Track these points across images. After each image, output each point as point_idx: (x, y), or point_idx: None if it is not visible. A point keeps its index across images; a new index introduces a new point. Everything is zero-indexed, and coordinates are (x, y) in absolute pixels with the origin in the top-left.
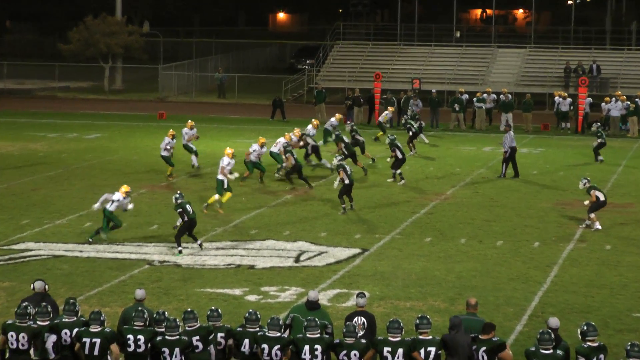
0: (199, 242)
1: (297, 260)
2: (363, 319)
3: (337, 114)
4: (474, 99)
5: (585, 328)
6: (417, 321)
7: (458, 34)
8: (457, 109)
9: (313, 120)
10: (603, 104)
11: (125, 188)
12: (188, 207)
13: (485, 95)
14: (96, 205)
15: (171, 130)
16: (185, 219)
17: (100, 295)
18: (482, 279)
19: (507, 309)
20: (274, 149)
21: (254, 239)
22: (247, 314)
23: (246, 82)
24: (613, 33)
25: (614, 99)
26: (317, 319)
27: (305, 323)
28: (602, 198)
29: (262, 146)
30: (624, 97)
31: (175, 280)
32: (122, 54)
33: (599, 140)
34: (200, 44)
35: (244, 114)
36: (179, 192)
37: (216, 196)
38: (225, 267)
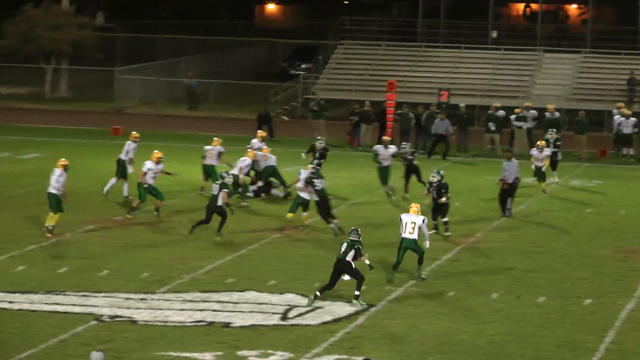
0: (359, 301)
1: (284, 317)
2: None
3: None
4: (512, 117)
5: None
6: None
7: (495, 34)
8: (492, 128)
9: (259, 131)
10: None
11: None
12: (343, 246)
13: (525, 111)
14: None
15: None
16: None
17: (35, 359)
18: (520, 345)
19: None
20: (234, 171)
21: (230, 290)
22: None
23: (226, 90)
24: None
25: None
26: None
27: None
28: None
29: (157, 162)
30: None
31: (130, 340)
32: (70, 52)
33: None
34: (169, 42)
35: (222, 131)
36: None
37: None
38: (193, 324)
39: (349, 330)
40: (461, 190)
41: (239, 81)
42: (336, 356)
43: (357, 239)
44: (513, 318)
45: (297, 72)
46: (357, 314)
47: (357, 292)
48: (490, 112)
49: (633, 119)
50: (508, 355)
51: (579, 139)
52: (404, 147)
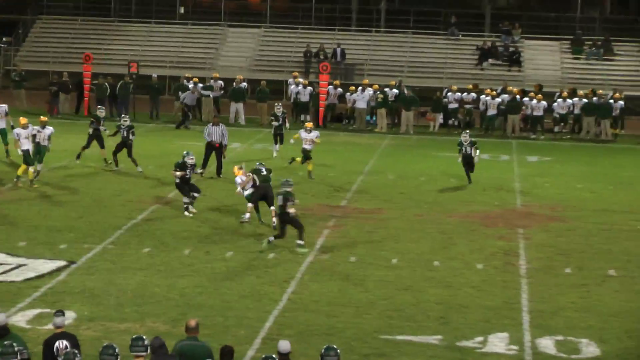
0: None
1: None
2: (66, 342)
3: None
4: (200, 86)
5: (325, 352)
6: (132, 343)
7: (182, 10)
8: (181, 97)
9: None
10: (348, 94)
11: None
12: (280, 200)
13: (212, 81)
14: None
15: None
16: None
17: None
18: (210, 297)
19: (238, 331)
20: None
21: None
22: None
23: None
24: (360, 13)
25: (360, 88)
26: (14, 344)
27: (1, 350)
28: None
29: None
30: (377, 85)
31: None
32: None
33: None
34: None
35: None
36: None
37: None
38: None
39: (52, 285)
40: (153, 154)
41: None
42: (39, 310)
43: (289, 190)
44: (203, 272)
45: None
46: (59, 270)
47: (300, 241)
48: (180, 82)
49: (309, 88)
50: (198, 305)
51: (261, 107)
52: (123, 120)
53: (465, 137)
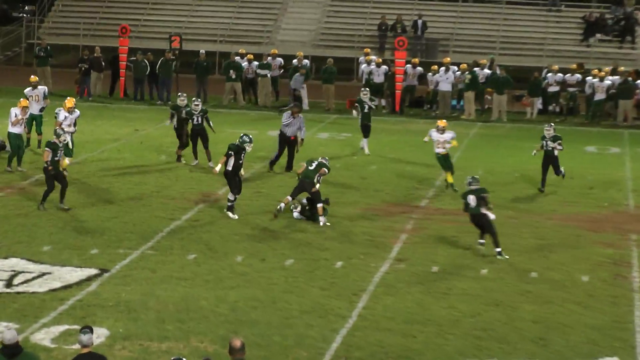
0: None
1: (9, 284)
2: None
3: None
4: (255, 64)
5: None
6: None
7: None
8: (233, 76)
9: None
10: (429, 75)
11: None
12: (472, 200)
13: (270, 58)
14: None
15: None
16: None
17: None
18: (266, 312)
19: (299, 352)
20: (16, 129)
21: None
22: None
23: None
24: None
25: (444, 67)
26: None
27: None
28: None
29: None
30: (464, 64)
31: None
32: None
33: None
34: None
35: None
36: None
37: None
38: None
39: (80, 297)
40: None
41: None
42: (66, 326)
43: (479, 187)
44: (258, 282)
45: (20, 15)
46: (89, 280)
47: (497, 249)
48: (231, 59)
49: (384, 67)
50: (252, 322)
51: (327, 89)
52: (194, 104)
53: (549, 130)
